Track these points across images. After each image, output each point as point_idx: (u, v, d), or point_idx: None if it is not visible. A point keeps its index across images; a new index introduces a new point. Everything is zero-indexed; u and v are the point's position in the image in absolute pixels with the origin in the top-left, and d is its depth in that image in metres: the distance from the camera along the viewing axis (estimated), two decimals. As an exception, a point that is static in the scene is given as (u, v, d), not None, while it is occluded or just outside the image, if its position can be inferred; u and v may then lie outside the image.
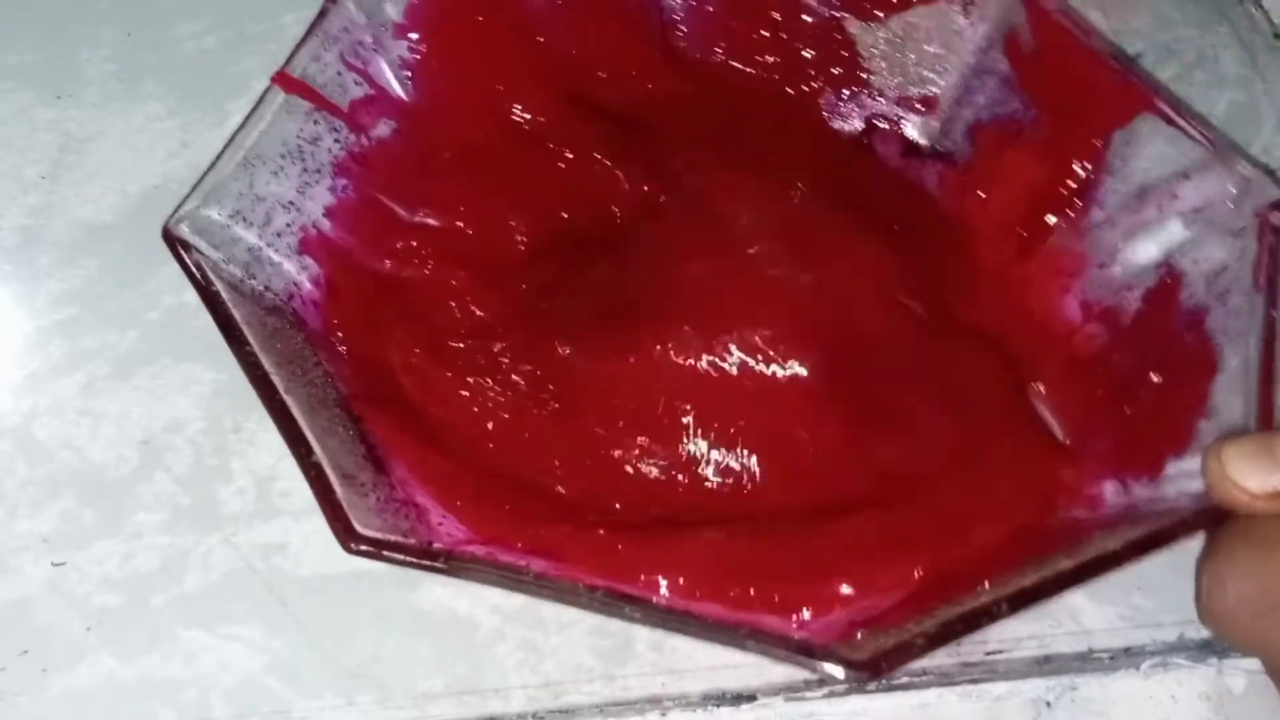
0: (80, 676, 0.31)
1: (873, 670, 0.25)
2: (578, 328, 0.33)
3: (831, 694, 0.30)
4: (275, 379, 0.28)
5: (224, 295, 0.30)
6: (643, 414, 0.32)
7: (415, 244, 0.36)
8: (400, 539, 0.27)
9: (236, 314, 0.29)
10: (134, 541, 0.33)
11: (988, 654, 0.30)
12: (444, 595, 0.31)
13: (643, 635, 0.31)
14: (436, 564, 0.26)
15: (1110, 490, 0.30)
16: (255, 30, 0.44)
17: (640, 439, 0.32)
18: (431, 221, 0.36)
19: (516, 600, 0.31)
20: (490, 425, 0.33)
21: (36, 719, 0.30)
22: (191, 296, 0.37)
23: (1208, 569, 0.26)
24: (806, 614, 0.28)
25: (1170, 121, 0.32)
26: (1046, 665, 0.30)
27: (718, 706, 0.30)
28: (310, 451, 0.27)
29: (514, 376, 0.33)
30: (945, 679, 0.30)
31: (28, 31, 0.44)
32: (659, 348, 0.32)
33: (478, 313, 0.35)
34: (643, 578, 0.28)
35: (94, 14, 0.45)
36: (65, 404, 0.35)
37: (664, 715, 0.30)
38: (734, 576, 0.29)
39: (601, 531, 0.30)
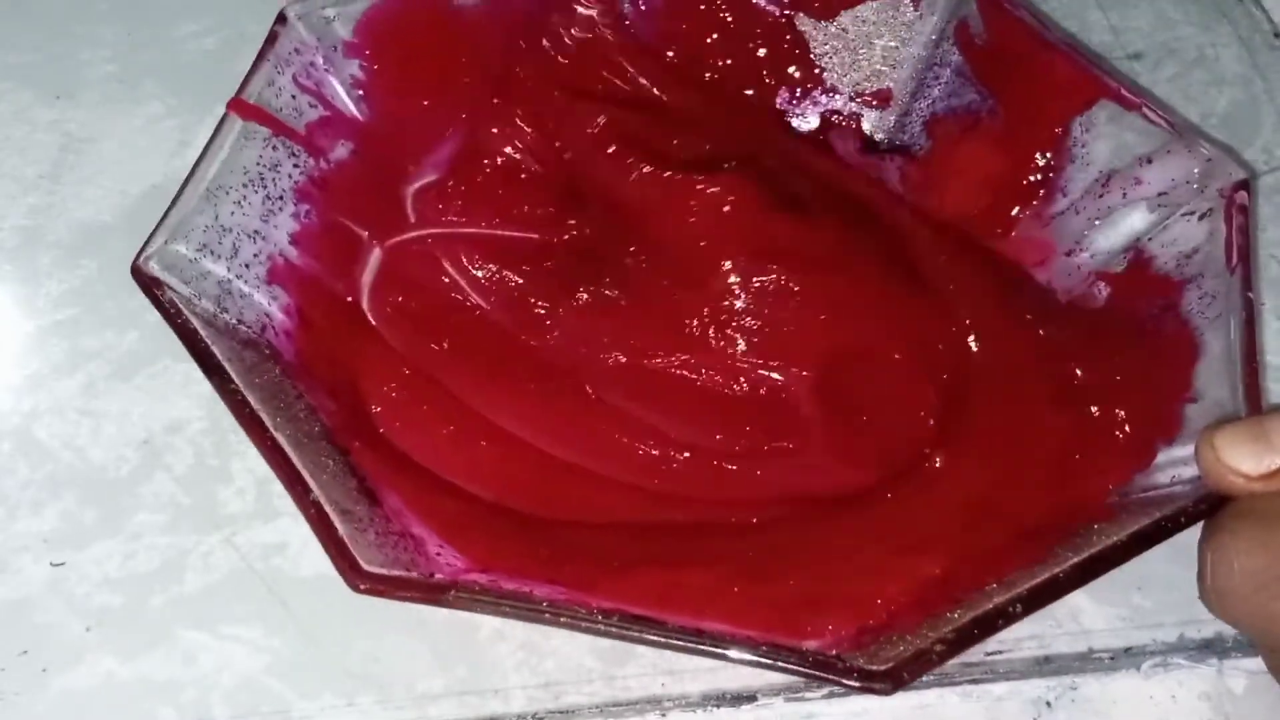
0: (80, 676, 0.31)
1: (894, 681, 0.25)
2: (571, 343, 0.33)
3: (831, 694, 0.30)
4: (263, 415, 0.27)
5: (200, 331, 0.29)
6: (633, 425, 0.32)
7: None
8: (404, 574, 0.26)
9: (215, 349, 0.29)
10: (134, 542, 0.33)
11: (988, 654, 0.30)
12: (444, 595, 0.31)
13: (643, 635, 0.31)
14: (446, 598, 0.26)
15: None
16: (255, 30, 0.43)
17: (638, 448, 0.32)
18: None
19: (516, 600, 0.31)
20: (475, 455, 0.32)
21: (36, 719, 0.30)
22: (191, 297, 0.37)
23: (1211, 545, 0.26)
24: (816, 622, 0.28)
25: (1128, 106, 0.32)
26: (1047, 665, 0.30)
27: (717, 707, 0.30)
28: (308, 490, 0.26)
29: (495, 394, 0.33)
30: (945, 679, 0.30)
31: (28, 32, 0.44)
32: (648, 361, 0.32)
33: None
34: (647, 596, 0.28)
35: (94, 14, 0.45)
36: (66, 404, 0.35)
37: (664, 716, 0.30)
38: (740, 589, 0.29)
39: (599, 553, 0.30)
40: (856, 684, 0.25)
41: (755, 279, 0.32)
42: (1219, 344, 0.29)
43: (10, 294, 0.38)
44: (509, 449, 0.33)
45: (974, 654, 0.30)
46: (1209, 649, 0.30)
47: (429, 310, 0.35)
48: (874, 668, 0.25)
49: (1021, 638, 0.31)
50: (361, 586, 0.25)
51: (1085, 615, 0.31)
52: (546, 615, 0.25)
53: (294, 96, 0.35)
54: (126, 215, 0.39)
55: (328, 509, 0.26)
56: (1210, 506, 0.26)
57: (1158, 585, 0.31)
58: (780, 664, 0.25)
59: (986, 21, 0.35)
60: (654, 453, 0.32)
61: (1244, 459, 0.25)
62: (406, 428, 0.33)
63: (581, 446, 0.33)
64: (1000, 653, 0.30)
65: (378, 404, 0.33)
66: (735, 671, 0.30)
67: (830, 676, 0.25)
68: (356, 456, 0.30)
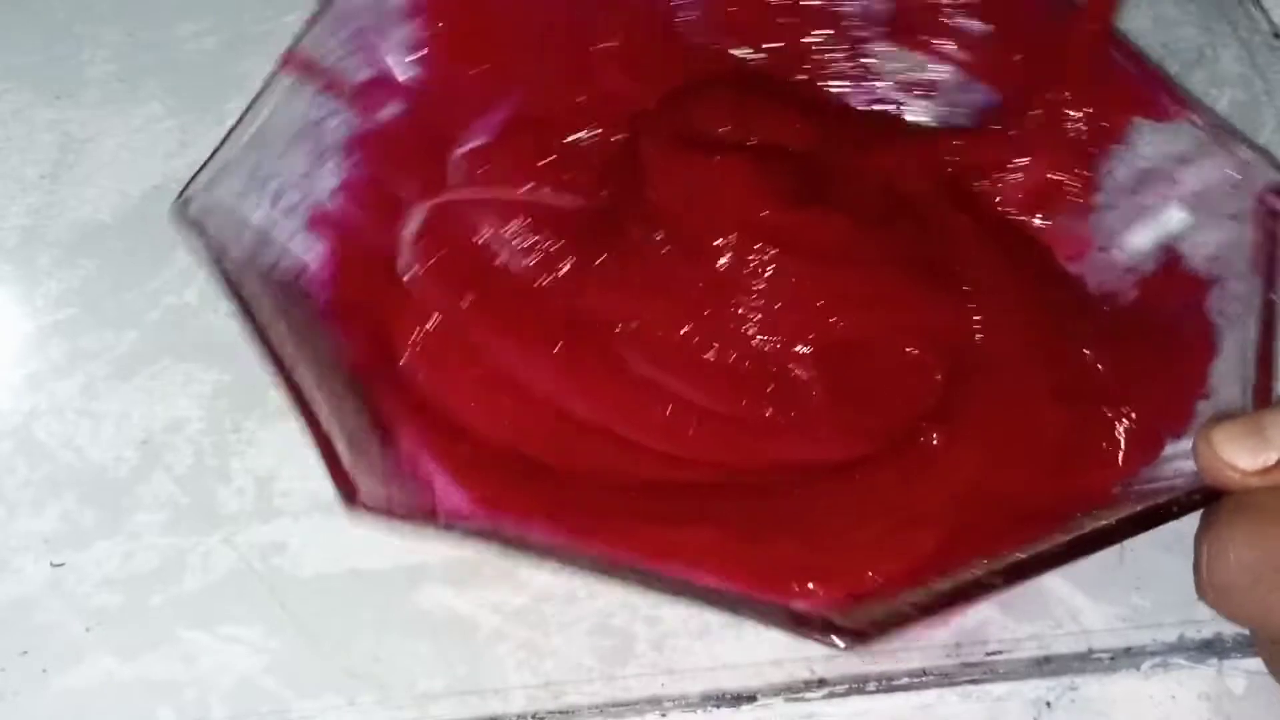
0: (80, 676, 0.31)
1: (859, 637, 0.25)
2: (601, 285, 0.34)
3: (832, 694, 0.30)
4: (284, 350, 0.29)
5: (232, 272, 0.30)
6: (652, 388, 0.33)
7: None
8: (404, 505, 0.27)
9: (245, 289, 0.29)
10: (134, 542, 0.33)
11: (988, 654, 0.30)
12: (444, 595, 0.31)
13: (643, 635, 0.31)
14: (437, 525, 0.27)
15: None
16: (255, 30, 0.44)
17: (656, 411, 0.33)
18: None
19: (517, 600, 0.31)
20: (494, 404, 0.33)
21: (36, 719, 0.30)
22: (192, 296, 0.37)
23: (1207, 539, 0.26)
24: (805, 587, 0.28)
25: (1179, 115, 0.32)
26: (1047, 665, 0.30)
27: (717, 707, 0.30)
28: (318, 420, 0.28)
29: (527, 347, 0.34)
30: (945, 679, 0.30)
31: (28, 32, 0.44)
32: (664, 330, 0.33)
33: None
34: (644, 548, 0.28)
35: (94, 14, 0.45)
36: (65, 404, 0.35)
37: (664, 716, 0.30)
38: (735, 549, 0.29)
39: (603, 506, 0.30)
40: (819, 635, 0.25)
41: (753, 260, 0.33)
42: (1236, 343, 0.29)
43: (10, 294, 0.38)
44: (528, 402, 0.33)
45: (974, 654, 0.30)
46: (1209, 649, 0.30)
47: (463, 267, 0.35)
48: (841, 623, 0.25)
49: (1021, 638, 0.31)
50: (359, 512, 0.26)
51: (1085, 615, 0.31)
52: (536, 554, 0.26)
53: (346, 55, 0.35)
54: (126, 215, 0.39)
55: (336, 440, 0.27)
56: (1204, 497, 0.26)
57: (1157, 585, 0.31)
58: (754, 614, 0.26)
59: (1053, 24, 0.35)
60: (669, 416, 0.32)
61: (1240, 454, 0.25)
62: (430, 374, 0.33)
63: (600, 405, 0.33)
64: (1000, 653, 0.30)
65: (405, 351, 0.34)
66: (736, 671, 0.30)
67: (793, 625, 0.25)
68: (377, 396, 0.31)
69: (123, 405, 0.35)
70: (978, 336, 0.33)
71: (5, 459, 0.34)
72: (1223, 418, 0.26)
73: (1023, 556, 0.26)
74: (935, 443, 0.31)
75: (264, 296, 0.30)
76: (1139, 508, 0.26)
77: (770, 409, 0.32)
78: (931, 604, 0.25)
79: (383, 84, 0.36)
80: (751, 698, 0.30)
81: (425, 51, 0.37)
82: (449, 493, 0.30)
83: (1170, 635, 0.31)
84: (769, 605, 0.26)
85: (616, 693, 0.30)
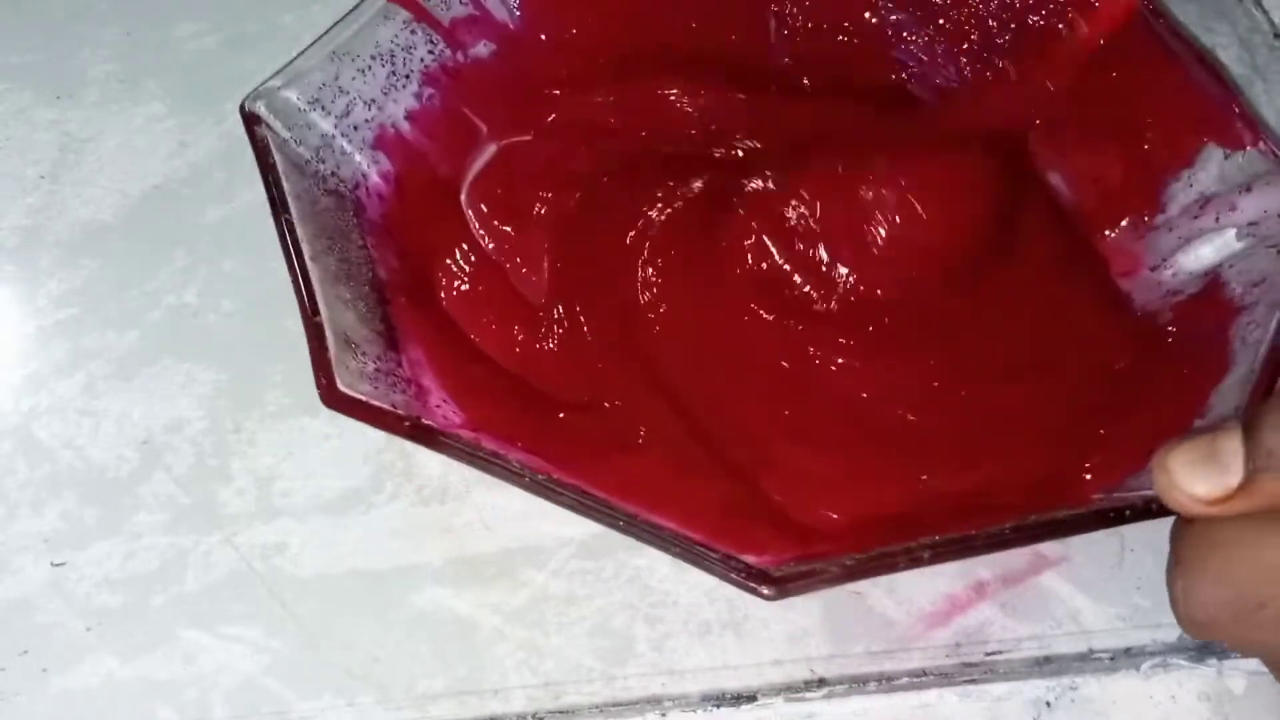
0: (80, 676, 0.31)
1: (778, 586, 0.26)
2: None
3: (831, 694, 0.30)
4: (305, 245, 0.30)
5: (281, 168, 0.31)
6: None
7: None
8: (371, 400, 0.28)
9: (289, 185, 0.31)
10: (134, 542, 0.33)
11: (988, 654, 0.30)
12: (444, 595, 0.31)
13: (643, 635, 0.31)
14: (403, 428, 0.28)
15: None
16: (255, 30, 0.44)
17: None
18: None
19: (517, 600, 0.31)
20: (518, 346, 0.34)
21: (36, 719, 0.30)
22: (193, 296, 0.37)
23: (1178, 578, 0.25)
24: (760, 539, 0.29)
25: (1252, 143, 0.32)
26: (1046, 665, 0.30)
27: (717, 707, 0.30)
28: (316, 311, 0.29)
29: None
30: (945, 679, 0.30)
31: (28, 32, 0.44)
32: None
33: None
34: (612, 480, 0.29)
35: (94, 14, 0.45)
36: (66, 404, 0.35)
37: (664, 715, 0.30)
38: (700, 494, 0.30)
39: (590, 437, 0.31)
40: (741, 579, 0.26)
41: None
42: (1244, 368, 0.29)
43: (10, 294, 0.38)
44: (546, 335, 0.34)
45: (974, 654, 0.30)
46: (1209, 649, 0.30)
47: (525, 206, 0.36)
48: (766, 570, 0.26)
49: (1021, 638, 0.31)
50: (330, 401, 0.28)
51: (1085, 615, 0.31)
52: (491, 467, 0.27)
53: None
54: (127, 215, 0.39)
55: (328, 330, 0.28)
56: (1158, 508, 0.26)
57: (1157, 585, 0.31)
58: (672, 548, 0.26)
59: (1136, 44, 0.35)
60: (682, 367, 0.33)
61: (1196, 481, 0.24)
62: (460, 297, 0.35)
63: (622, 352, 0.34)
64: (1000, 653, 0.30)
65: (442, 274, 0.35)
66: (736, 671, 0.30)
67: (723, 570, 0.26)
68: (397, 308, 0.32)
69: (123, 405, 0.35)
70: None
71: (6, 459, 0.34)
72: (1179, 440, 0.25)
73: (956, 535, 0.26)
74: (911, 420, 0.31)
75: (306, 197, 0.31)
76: (1081, 510, 0.27)
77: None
78: (854, 568, 0.26)
79: (481, 22, 0.37)
80: (751, 697, 0.30)
81: (529, 2, 0.37)
82: (442, 409, 0.31)
83: (1170, 635, 0.31)
84: (704, 548, 0.26)
85: (616, 693, 0.30)
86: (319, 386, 0.28)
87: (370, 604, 0.31)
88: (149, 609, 0.32)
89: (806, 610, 0.31)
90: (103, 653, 0.31)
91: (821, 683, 0.30)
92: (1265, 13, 0.43)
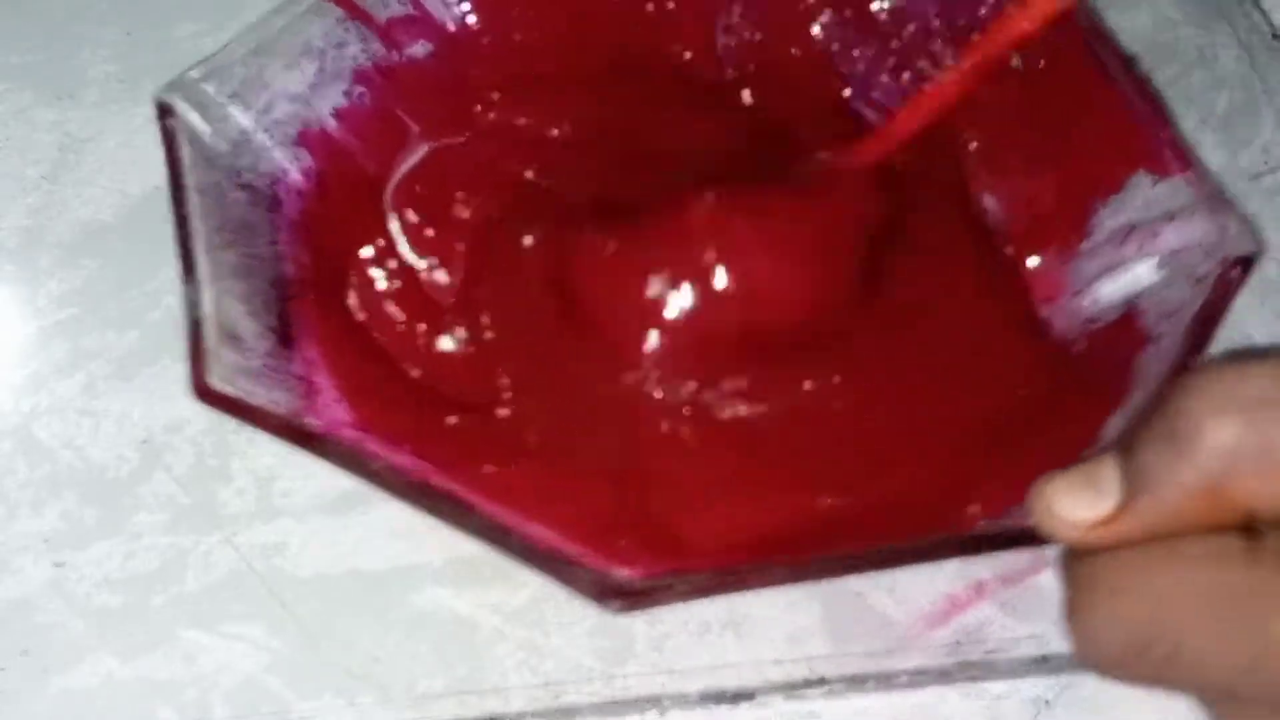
0: (80, 676, 0.31)
1: (625, 599, 0.26)
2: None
3: (831, 693, 0.30)
4: (201, 239, 0.30)
5: (190, 160, 0.31)
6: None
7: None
8: (244, 399, 0.28)
9: (197, 178, 0.31)
10: (134, 542, 0.33)
11: (987, 653, 0.30)
12: (444, 595, 0.32)
13: (642, 635, 0.31)
14: (274, 426, 0.28)
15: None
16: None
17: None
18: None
19: (517, 600, 0.31)
20: (422, 346, 0.34)
21: (37, 719, 0.30)
22: (192, 297, 0.37)
23: (1073, 627, 0.24)
24: (633, 551, 0.29)
25: (1179, 171, 0.32)
26: (1046, 664, 0.30)
27: (717, 705, 0.30)
28: (198, 304, 0.29)
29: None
30: (945, 678, 0.30)
31: (28, 32, 0.44)
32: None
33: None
34: (489, 487, 0.29)
35: (94, 14, 0.45)
36: (66, 404, 0.35)
37: (663, 714, 0.30)
38: (579, 502, 0.30)
39: (482, 442, 0.31)
40: (592, 594, 0.26)
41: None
42: (1139, 399, 0.28)
43: (10, 294, 0.38)
44: (450, 336, 0.34)
45: (973, 653, 0.30)
46: (1208, 648, 0.30)
47: (448, 208, 0.36)
48: (618, 583, 0.26)
49: (1020, 637, 0.31)
50: (200, 394, 0.27)
51: (1084, 615, 0.31)
52: (369, 475, 0.27)
53: None
54: (127, 215, 0.39)
55: (211, 325, 0.28)
56: (1038, 536, 0.25)
57: (1157, 585, 0.31)
58: (529, 559, 0.26)
59: (1059, 56, 0.35)
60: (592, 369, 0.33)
61: (1074, 507, 0.24)
62: (370, 298, 0.34)
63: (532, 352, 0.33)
64: (999, 651, 0.30)
65: (355, 271, 0.34)
66: (735, 670, 0.30)
67: (570, 582, 0.26)
68: (300, 305, 0.32)
69: (123, 405, 0.35)
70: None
71: (6, 459, 0.34)
72: (1060, 470, 0.25)
73: (811, 559, 0.26)
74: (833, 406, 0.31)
75: (213, 190, 0.31)
76: (934, 539, 0.27)
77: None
78: (702, 585, 0.26)
79: (419, 23, 0.36)
80: (750, 696, 0.30)
81: (470, 2, 0.37)
82: (332, 409, 0.31)
83: (1169, 634, 0.31)
84: (556, 560, 0.26)
85: (616, 692, 0.30)
86: (192, 382, 0.28)
87: (370, 604, 0.31)
88: (149, 609, 0.32)
89: (806, 609, 0.31)
90: (103, 653, 0.31)
91: (821, 681, 0.30)
92: (1264, 14, 0.43)
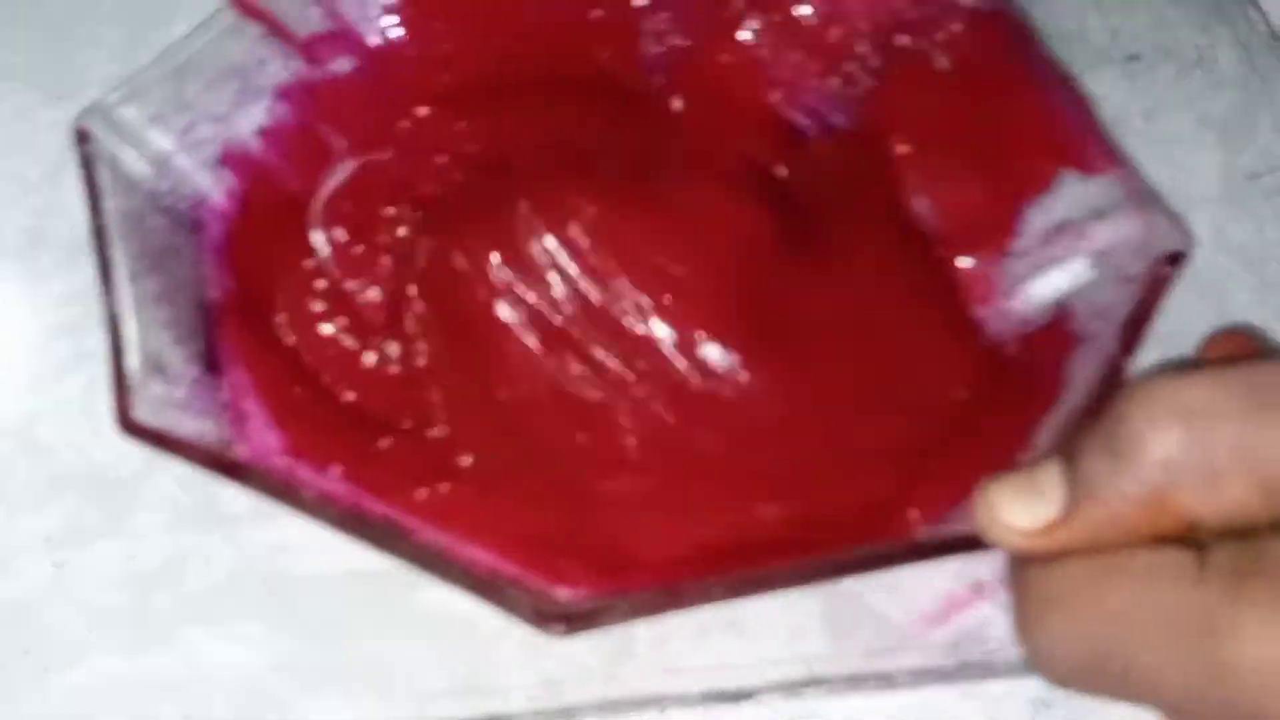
0: (82, 676, 0.31)
1: (568, 623, 0.26)
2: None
3: (830, 693, 0.30)
4: (124, 267, 0.30)
5: (109, 186, 0.31)
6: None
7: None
8: (170, 432, 0.28)
9: (116, 203, 0.30)
10: (135, 541, 0.33)
11: (987, 652, 0.31)
12: (444, 595, 0.31)
13: (642, 635, 0.31)
14: (202, 459, 0.28)
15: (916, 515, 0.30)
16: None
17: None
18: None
19: (516, 600, 0.31)
20: (353, 367, 0.34)
21: (38, 718, 0.30)
22: (192, 297, 0.37)
23: (1027, 644, 0.24)
24: (576, 572, 0.29)
25: (1104, 170, 0.32)
26: (1045, 664, 0.30)
27: (717, 705, 0.30)
28: (120, 335, 0.29)
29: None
30: (944, 678, 0.30)
31: (29, 32, 0.44)
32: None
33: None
34: (427, 509, 0.30)
35: (96, 15, 0.45)
36: (68, 404, 0.35)
37: (663, 713, 0.30)
38: (519, 523, 0.30)
39: (415, 465, 0.31)
40: (532, 619, 0.26)
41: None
42: (1071, 402, 0.28)
43: (13, 293, 0.38)
44: (381, 356, 0.34)
45: (973, 653, 0.30)
46: (1207, 648, 0.30)
47: (374, 225, 0.35)
48: (560, 606, 0.26)
49: (1020, 637, 0.31)
50: (125, 428, 0.28)
51: (1084, 614, 0.31)
52: (298, 502, 0.28)
53: (305, 4, 0.35)
54: (128, 215, 0.39)
55: (135, 356, 0.28)
56: (980, 543, 0.25)
57: (1156, 585, 0.31)
58: (466, 584, 0.27)
59: (985, 57, 0.35)
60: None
61: (1017, 513, 0.24)
62: (298, 320, 0.34)
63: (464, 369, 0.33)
64: (1000, 651, 0.31)
65: (281, 292, 0.34)
66: (735, 670, 0.30)
67: (510, 607, 0.26)
68: (226, 329, 0.32)
69: (124, 405, 0.35)
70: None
71: (7, 458, 0.34)
72: (1001, 474, 0.25)
73: (750, 574, 0.26)
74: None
75: (135, 216, 0.30)
76: (908, 543, 0.27)
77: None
78: (642, 604, 0.27)
79: (341, 38, 0.36)
80: (750, 696, 0.30)
81: (394, 16, 0.36)
82: (261, 434, 0.30)
83: (1168, 634, 0.31)
84: (493, 584, 0.27)
85: (616, 692, 0.30)
86: (116, 415, 0.28)
87: (370, 603, 0.32)
88: (150, 608, 0.32)
89: (805, 609, 0.31)
90: (104, 652, 0.31)
91: (821, 681, 0.30)
92: (1263, 14, 0.43)
